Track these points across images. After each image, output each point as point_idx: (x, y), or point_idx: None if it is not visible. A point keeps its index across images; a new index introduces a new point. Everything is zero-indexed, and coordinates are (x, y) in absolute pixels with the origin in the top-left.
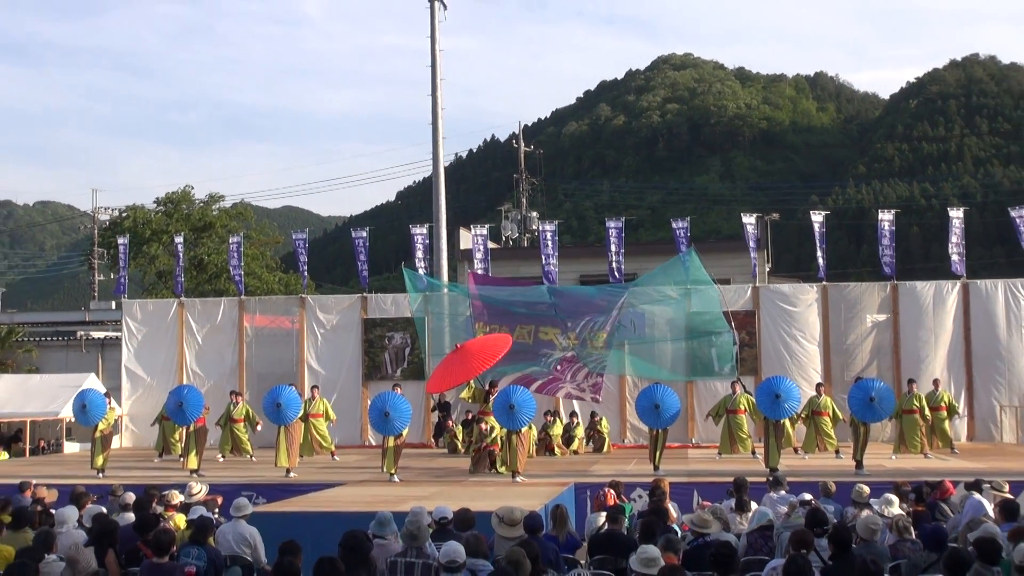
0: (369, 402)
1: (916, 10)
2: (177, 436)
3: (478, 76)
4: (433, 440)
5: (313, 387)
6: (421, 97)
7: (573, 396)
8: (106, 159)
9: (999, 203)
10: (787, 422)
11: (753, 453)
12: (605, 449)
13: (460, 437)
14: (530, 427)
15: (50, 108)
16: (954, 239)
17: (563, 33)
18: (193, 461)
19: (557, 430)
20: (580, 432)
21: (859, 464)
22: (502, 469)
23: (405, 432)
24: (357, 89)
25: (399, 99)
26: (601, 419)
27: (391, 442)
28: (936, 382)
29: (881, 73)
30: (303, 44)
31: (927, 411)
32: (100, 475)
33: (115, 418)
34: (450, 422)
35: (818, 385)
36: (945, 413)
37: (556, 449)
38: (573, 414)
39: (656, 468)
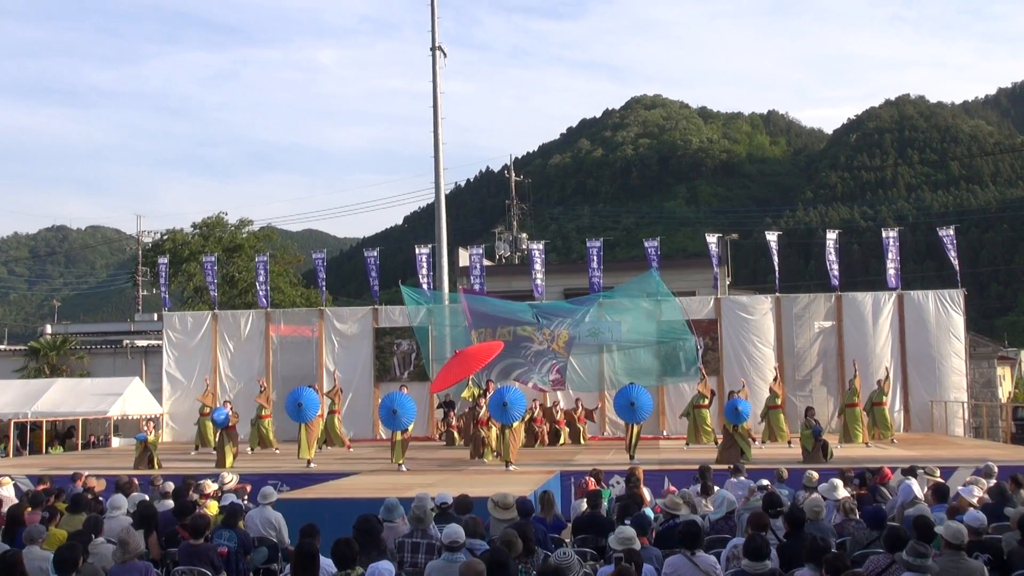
0: (379, 401)
1: (851, 56)
2: (212, 433)
3: (473, 115)
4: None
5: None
6: (423, 133)
7: (537, 387)
8: (148, 188)
9: (929, 224)
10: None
11: (716, 443)
12: (581, 440)
13: (457, 432)
14: (522, 420)
15: (99, 144)
16: (890, 255)
17: (545, 77)
18: (230, 460)
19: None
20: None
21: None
22: (489, 457)
23: (411, 427)
24: (366, 127)
25: (402, 135)
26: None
27: (399, 436)
28: (879, 381)
29: (823, 111)
30: (318, 88)
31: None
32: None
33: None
34: (452, 413)
35: (773, 381)
36: (886, 408)
37: (542, 441)
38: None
39: (632, 457)
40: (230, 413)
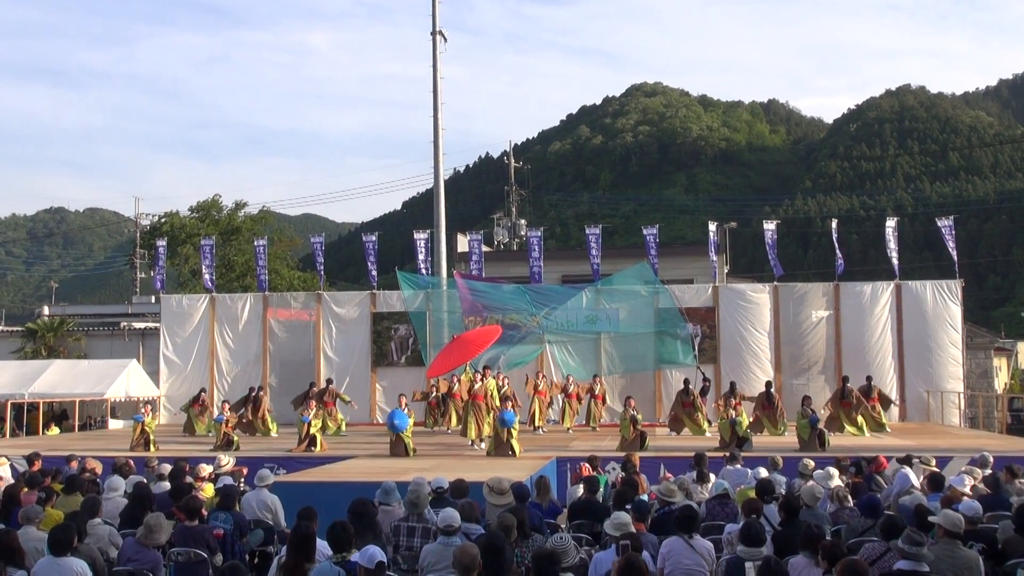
0: (378, 384)
1: (846, 45)
2: (204, 425)
3: (470, 100)
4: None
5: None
6: (419, 118)
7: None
8: (143, 170)
9: (927, 214)
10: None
11: (706, 433)
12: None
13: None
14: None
15: (92, 126)
16: (891, 245)
17: (539, 62)
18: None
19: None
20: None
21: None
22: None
23: (409, 427)
24: (360, 111)
25: (397, 120)
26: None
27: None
28: (869, 378)
29: (822, 100)
30: (311, 72)
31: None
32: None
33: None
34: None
35: (767, 383)
36: (878, 404)
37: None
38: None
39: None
40: (226, 416)
